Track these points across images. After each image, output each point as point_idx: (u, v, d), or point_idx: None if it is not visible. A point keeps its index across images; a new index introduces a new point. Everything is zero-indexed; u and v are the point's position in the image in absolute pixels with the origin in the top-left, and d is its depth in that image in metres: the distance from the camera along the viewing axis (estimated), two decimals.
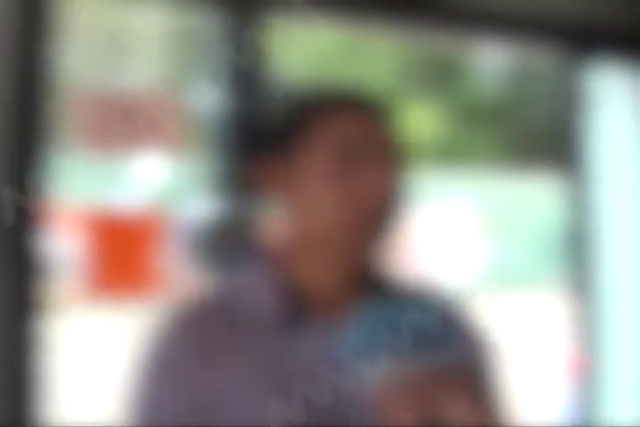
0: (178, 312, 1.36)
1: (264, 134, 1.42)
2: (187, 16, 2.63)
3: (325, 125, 1.35)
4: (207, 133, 2.62)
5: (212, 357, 1.31)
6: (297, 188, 1.35)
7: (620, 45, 3.17)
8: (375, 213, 1.33)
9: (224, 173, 2.53)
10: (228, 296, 1.38)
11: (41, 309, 2.20)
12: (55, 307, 2.29)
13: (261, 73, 2.54)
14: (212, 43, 2.59)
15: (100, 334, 5.60)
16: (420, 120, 6.02)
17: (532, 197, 7.95)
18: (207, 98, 2.60)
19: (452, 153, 7.47)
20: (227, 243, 2.49)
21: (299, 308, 1.33)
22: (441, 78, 6.38)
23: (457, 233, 8.50)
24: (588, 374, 3.17)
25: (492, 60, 6.44)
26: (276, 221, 1.40)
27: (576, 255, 3.21)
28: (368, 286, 1.36)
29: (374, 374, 1.23)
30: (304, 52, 3.24)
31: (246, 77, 2.53)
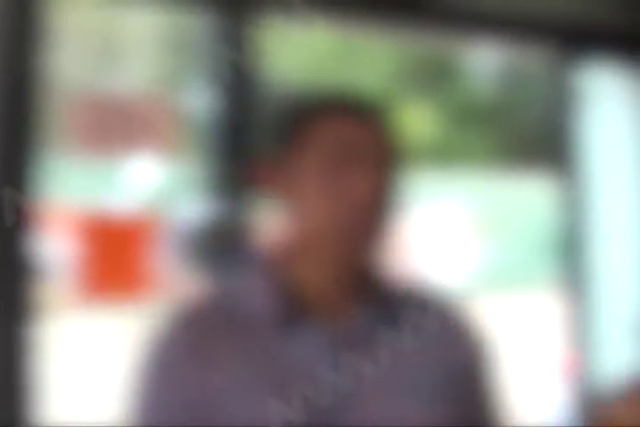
0: (176, 314, 1.36)
1: (258, 136, 1.42)
2: (180, 17, 2.63)
3: (320, 127, 1.35)
4: (201, 135, 2.62)
5: (210, 358, 1.31)
6: (292, 189, 1.35)
7: (614, 46, 3.18)
8: (370, 215, 1.33)
9: (217, 174, 2.53)
10: (224, 297, 1.38)
11: (35, 311, 2.20)
12: (50, 309, 2.29)
13: (256, 74, 2.54)
14: (205, 44, 2.59)
15: (94, 335, 5.59)
16: (414, 121, 6.03)
17: (526, 198, 7.96)
18: (201, 100, 2.60)
19: (447, 154, 7.48)
20: (221, 244, 2.49)
21: (295, 308, 1.33)
22: (435, 79, 6.39)
23: (452, 234, 8.51)
24: (582, 373, 3.18)
25: (486, 62, 6.45)
26: (271, 222, 1.40)
27: (570, 256, 3.21)
28: (364, 286, 1.36)
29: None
30: (299, 53, 3.24)
31: (241, 79, 2.52)
